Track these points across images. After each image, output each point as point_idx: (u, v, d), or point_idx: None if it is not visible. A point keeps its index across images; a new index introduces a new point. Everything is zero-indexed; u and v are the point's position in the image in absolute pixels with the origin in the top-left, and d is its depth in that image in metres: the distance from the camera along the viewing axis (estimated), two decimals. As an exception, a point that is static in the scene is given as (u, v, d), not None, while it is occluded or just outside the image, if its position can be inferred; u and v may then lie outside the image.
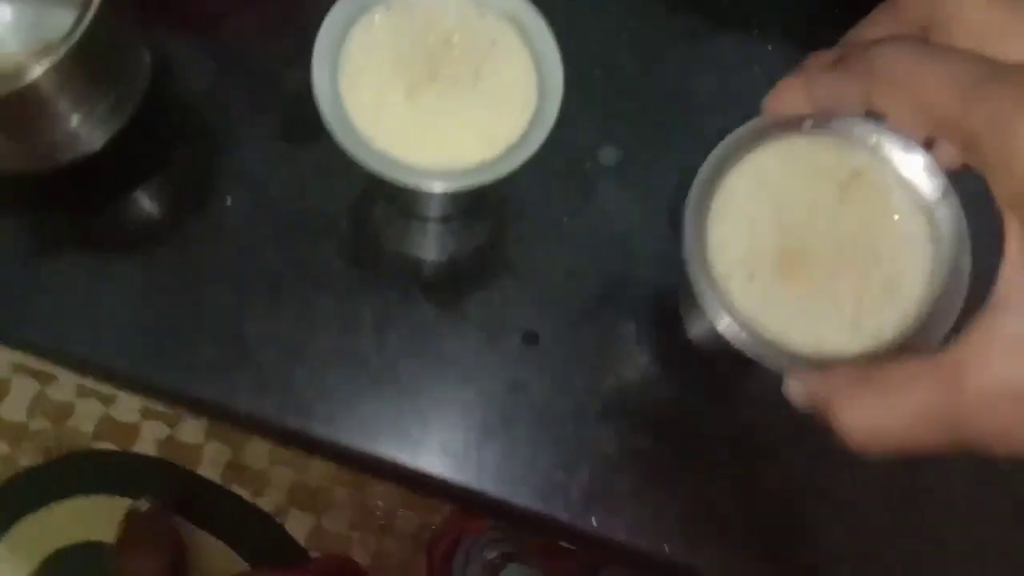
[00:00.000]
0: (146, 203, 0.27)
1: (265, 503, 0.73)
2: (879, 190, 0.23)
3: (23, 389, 0.72)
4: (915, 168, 0.22)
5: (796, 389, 0.20)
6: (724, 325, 0.21)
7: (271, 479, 0.73)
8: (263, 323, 0.25)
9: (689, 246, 0.22)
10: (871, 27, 0.21)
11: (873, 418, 0.18)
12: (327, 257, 0.26)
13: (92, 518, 0.70)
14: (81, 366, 0.26)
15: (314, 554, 0.72)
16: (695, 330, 0.29)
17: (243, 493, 0.73)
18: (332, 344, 0.26)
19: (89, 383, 0.72)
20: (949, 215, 0.22)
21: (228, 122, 0.27)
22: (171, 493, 0.71)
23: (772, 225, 0.22)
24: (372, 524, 0.73)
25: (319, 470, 0.74)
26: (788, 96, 0.22)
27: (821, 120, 0.22)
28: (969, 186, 0.19)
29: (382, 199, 0.28)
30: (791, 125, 0.22)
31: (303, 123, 0.27)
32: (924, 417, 0.17)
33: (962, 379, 0.17)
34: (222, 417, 0.26)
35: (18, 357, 0.73)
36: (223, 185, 0.26)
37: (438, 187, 0.24)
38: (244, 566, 0.71)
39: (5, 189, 0.26)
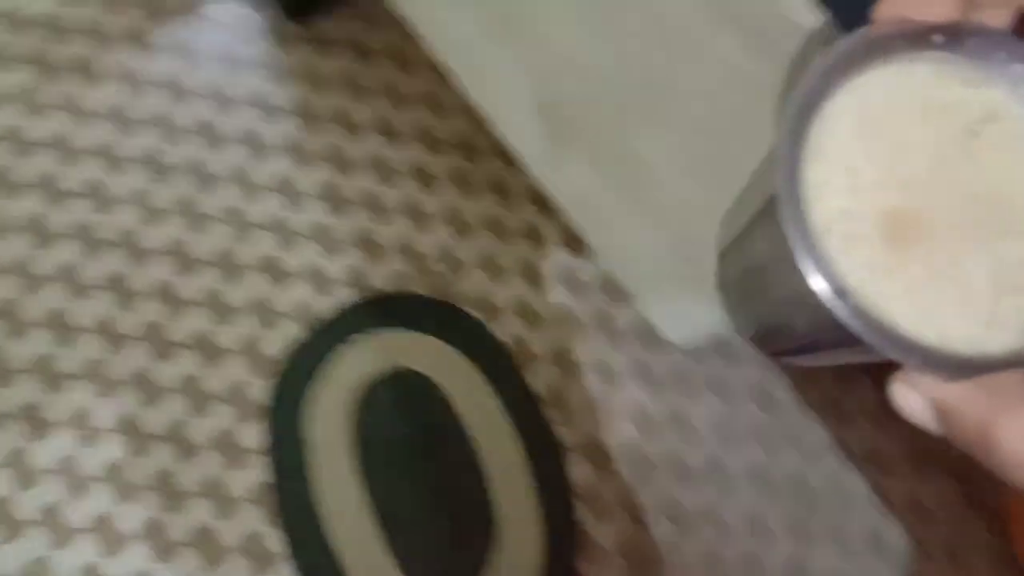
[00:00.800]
0: None
1: (564, 434, 0.79)
2: (1021, 140, 0.17)
3: (437, 237, 0.83)
4: None
5: (914, 400, 0.15)
6: (823, 292, 0.16)
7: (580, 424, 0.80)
8: None
9: (783, 184, 0.16)
10: None
11: None
12: None
13: (430, 355, 0.78)
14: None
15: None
16: (763, 306, 0.20)
17: (554, 420, 0.79)
18: None
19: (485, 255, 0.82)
20: None
21: None
22: (498, 379, 0.78)
23: (879, 176, 0.17)
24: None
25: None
26: None
27: (954, 35, 0.16)
28: None
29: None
30: (913, 40, 0.17)
31: None
32: None
33: None
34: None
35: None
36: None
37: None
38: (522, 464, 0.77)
39: None
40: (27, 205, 0.74)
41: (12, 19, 0.80)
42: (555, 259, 0.84)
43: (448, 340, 0.79)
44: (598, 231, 0.59)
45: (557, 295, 0.83)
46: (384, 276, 0.80)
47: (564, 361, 0.82)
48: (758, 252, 0.18)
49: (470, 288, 0.82)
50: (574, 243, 0.85)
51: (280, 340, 0.76)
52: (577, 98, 0.47)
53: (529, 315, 0.82)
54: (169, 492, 0.69)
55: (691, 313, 0.58)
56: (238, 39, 0.83)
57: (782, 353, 0.20)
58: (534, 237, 0.84)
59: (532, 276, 0.83)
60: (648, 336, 0.84)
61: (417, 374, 0.78)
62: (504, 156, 0.86)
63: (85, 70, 0.79)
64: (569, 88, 0.47)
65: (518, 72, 0.50)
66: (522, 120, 0.52)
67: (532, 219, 0.85)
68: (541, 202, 0.86)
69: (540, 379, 0.81)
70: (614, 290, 0.85)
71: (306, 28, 0.85)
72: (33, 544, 0.66)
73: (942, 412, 0.14)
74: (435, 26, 0.54)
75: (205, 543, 0.69)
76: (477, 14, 0.50)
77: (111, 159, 0.77)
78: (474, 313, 0.81)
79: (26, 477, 0.67)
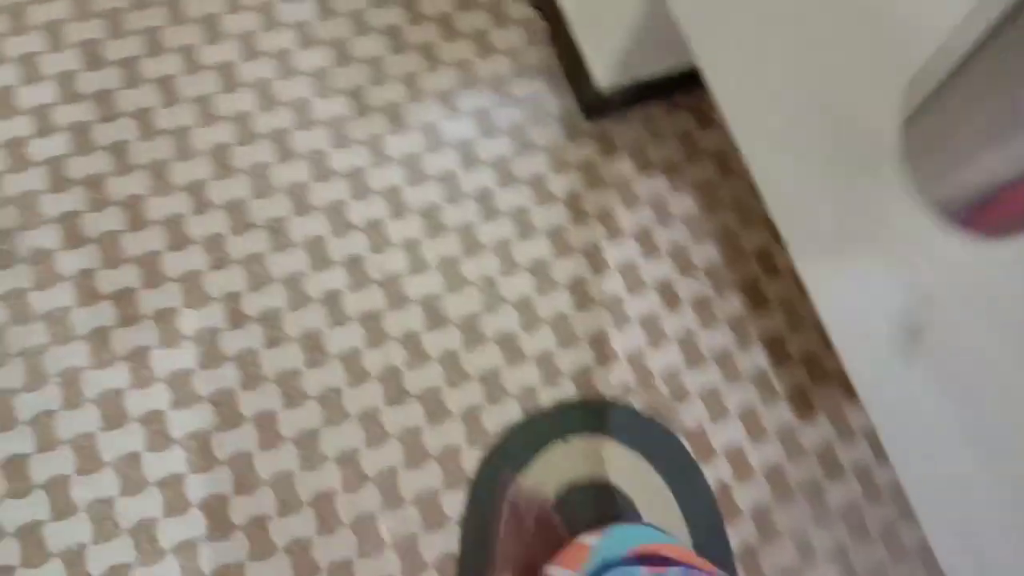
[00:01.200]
0: None
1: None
2: None
3: (669, 358, 0.82)
4: None
5: None
6: None
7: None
8: None
9: None
10: None
11: None
12: None
13: (635, 476, 0.77)
14: None
15: None
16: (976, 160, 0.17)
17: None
18: None
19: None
20: None
21: None
22: (696, 522, 0.76)
23: None
24: None
25: None
26: None
27: None
28: None
29: None
30: None
31: None
32: None
33: None
34: None
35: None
36: None
37: None
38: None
39: None
40: (314, 226, 0.79)
41: (341, 52, 0.87)
42: (779, 415, 0.82)
43: (656, 466, 0.78)
44: (906, 444, 0.56)
45: (773, 453, 0.81)
46: (609, 382, 0.80)
47: (765, 523, 0.79)
48: (992, 77, 0.15)
49: (689, 419, 0.80)
50: (802, 404, 0.83)
51: (499, 416, 0.77)
52: (946, 321, 0.46)
53: (741, 466, 0.80)
54: (368, 537, 0.70)
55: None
56: (533, 122, 0.87)
57: (998, 219, 0.18)
58: (764, 385, 0.83)
59: (753, 426, 0.81)
60: (854, 520, 0.80)
61: (619, 492, 0.77)
62: (747, 296, 0.86)
63: (394, 116, 0.84)
64: (940, 308, 0.46)
65: (880, 278, 0.49)
66: (865, 326, 0.51)
67: (762, 365, 0.84)
68: (775, 350, 0.84)
69: (738, 534, 0.78)
70: (831, 464, 0.81)
71: (596, 126, 0.88)
72: (236, 548, 0.69)
73: None
74: (800, 230, 0.54)
75: (384, 596, 0.69)
76: (839, 210, 0.49)
77: (396, 204, 0.81)
78: (688, 446, 0.79)
79: (248, 486, 0.70)
